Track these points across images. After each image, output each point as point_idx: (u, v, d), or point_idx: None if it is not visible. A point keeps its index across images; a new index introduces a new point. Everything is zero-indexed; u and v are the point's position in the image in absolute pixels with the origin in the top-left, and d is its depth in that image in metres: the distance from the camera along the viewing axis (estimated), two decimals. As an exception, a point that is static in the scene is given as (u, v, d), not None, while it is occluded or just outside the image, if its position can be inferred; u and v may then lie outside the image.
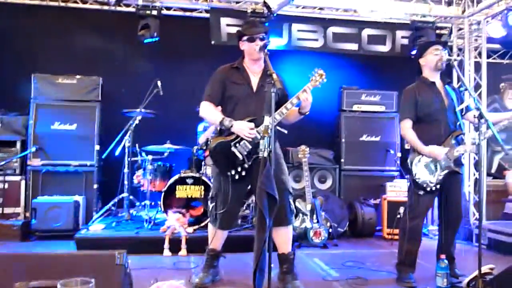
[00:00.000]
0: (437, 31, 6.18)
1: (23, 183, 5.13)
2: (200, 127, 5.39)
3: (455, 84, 6.06)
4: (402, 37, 6.11)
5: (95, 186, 5.27)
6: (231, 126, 3.11)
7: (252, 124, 3.11)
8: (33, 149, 5.10)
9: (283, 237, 3.21)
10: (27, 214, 5.02)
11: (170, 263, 3.93)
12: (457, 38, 6.26)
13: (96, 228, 4.49)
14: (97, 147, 5.29)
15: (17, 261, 2.12)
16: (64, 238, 4.60)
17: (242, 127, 3.11)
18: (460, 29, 6.23)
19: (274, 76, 2.77)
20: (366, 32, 6.07)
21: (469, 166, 5.87)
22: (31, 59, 5.76)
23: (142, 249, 4.14)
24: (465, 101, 3.64)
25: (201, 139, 5.11)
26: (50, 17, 5.88)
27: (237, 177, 3.16)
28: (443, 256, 3.03)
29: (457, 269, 3.53)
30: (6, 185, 5.06)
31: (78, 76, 5.38)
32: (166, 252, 4.20)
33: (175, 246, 4.22)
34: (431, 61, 3.50)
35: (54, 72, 5.39)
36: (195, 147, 4.96)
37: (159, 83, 4.93)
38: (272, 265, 2.67)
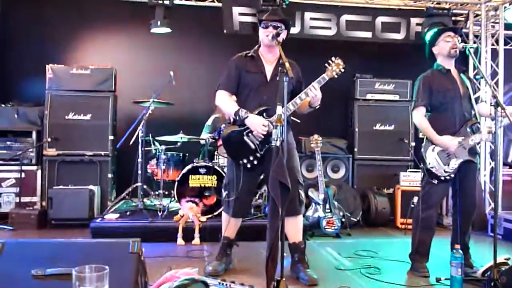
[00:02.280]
0: (453, 18, 6.06)
1: (39, 172, 5.21)
2: (209, 121, 5.40)
3: (471, 72, 5.97)
4: (417, 24, 6.00)
5: (110, 175, 5.33)
6: (246, 118, 3.11)
7: (266, 122, 3.09)
8: (49, 139, 5.17)
9: (293, 227, 3.22)
10: (44, 203, 5.10)
11: (184, 251, 3.97)
12: (474, 24, 6.13)
13: (111, 217, 4.54)
14: (111, 137, 5.34)
15: (34, 249, 2.15)
16: (80, 227, 4.66)
17: (256, 122, 3.10)
18: (477, 15, 6.10)
19: (287, 65, 2.75)
20: (380, 19, 5.97)
21: (485, 155, 5.79)
22: (46, 50, 5.81)
23: (156, 238, 4.19)
24: (481, 89, 3.58)
25: (203, 135, 5.13)
26: (64, 7, 5.91)
27: (249, 166, 3.18)
28: (457, 246, 3.00)
29: (472, 259, 3.50)
30: (23, 175, 5.14)
31: (91, 67, 5.40)
32: (180, 241, 4.23)
33: (188, 235, 4.26)
34: (443, 48, 3.44)
35: (68, 63, 5.44)
36: (208, 137, 4.97)
37: (171, 73, 4.93)
38: (285, 254, 2.68)
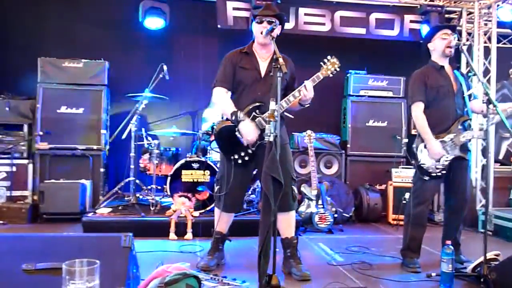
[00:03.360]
0: (446, 15, 6.08)
1: (30, 166, 5.17)
2: (205, 114, 5.39)
3: (463, 69, 6.00)
4: (411, 21, 6.01)
5: (102, 170, 5.30)
6: (239, 122, 3.09)
7: (256, 134, 3.08)
8: (40, 133, 5.13)
9: (285, 223, 3.23)
10: (35, 197, 5.06)
11: (176, 246, 3.96)
12: (467, 22, 6.15)
13: (103, 211, 4.52)
14: (103, 131, 5.30)
15: (24, 243, 2.14)
16: (71, 221, 4.65)
17: (247, 130, 3.08)
18: (470, 13, 6.12)
19: (281, 60, 2.74)
20: (374, 16, 5.97)
21: (476, 152, 5.82)
22: (38, 43, 5.76)
23: (148, 232, 4.19)
24: (473, 86, 3.59)
25: (204, 127, 5.12)
26: (57, 0, 5.86)
27: (240, 161, 3.18)
28: (448, 242, 3.02)
29: (463, 255, 3.53)
30: (14, 168, 5.10)
31: (84, 60, 5.36)
32: (172, 235, 4.23)
33: (180, 230, 4.25)
34: (439, 45, 3.45)
35: (61, 56, 5.39)
36: (201, 132, 4.97)
37: (165, 67, 4.91)
38: (277, 250, 2.69)
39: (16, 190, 5.09)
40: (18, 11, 5.81)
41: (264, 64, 3.26)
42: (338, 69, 3.15)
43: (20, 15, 5.80)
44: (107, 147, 5.42)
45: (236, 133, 3.15)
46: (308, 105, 3.22)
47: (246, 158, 3.18)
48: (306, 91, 3.08)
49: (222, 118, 3.36)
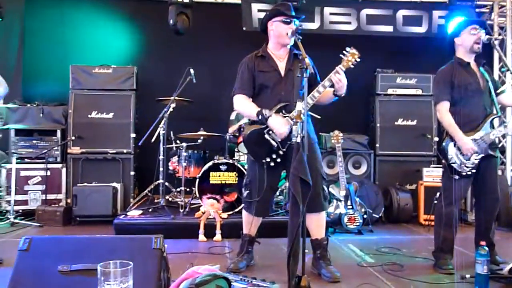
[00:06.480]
0: (477, 9, 5.93)
1: (64, 170, 5.33)
2: (232, 116, 5.42)
3: (496, 64, 5.84)
4: (439, 17, 5.89)
5: (132, 173, 5.41)
6: (268, 118, 3.08)
7: (288, 126, 3.03)
8: (73, 137, 5.28)
9: (316, 223, 3.20)
10: (69, 200, 5.21)
11: (205, 248, 3.99)
12: (499, 16, 5.98)
13: (134, 213, 4.61)
14: (133, 135, 5.41)
15: (60, 245, 2.20)
16: (103, 224, 4.75)
17: (278, 123, 3.05)
18: (502, 6, 5.95)
19: (307, 61, 2.73)
20: (401, 13, 5.88)
21: (510, 150, 5.65)
22: (68, 51, 5.93)
23: (178, 234, 4.23)
24: (506, 82, 3.49)
25: (232, 128, 5.13)
26: (85, 8, 6.02)
27: (272, 164, 3.16)
28: (483, 243, 2.94)
29: (498, 256, 3.43)
30: (49, 173, 5.26)
31: (113, 66, 5.49)
32: (201, 237, 4.27)
33: (209, 232, 4.29)
34: (467, 41, 3.35)
35: (91, 63, 5.53)
36: (228, 134, 5.00)
37: (191, 71, 4.97)
38: (306, 251, 2.68)
39: (51, 194, 5.24)
40: (49, 19, 5.99)
41: (282, 64, 3.25)
42: (358, 60, 3.06)
43: (51, 24, 5.99)
44: (137, 150, 5.52)
45: (266, 135, 3.14)
46: (344, 94, 3.12)
47: (278, 160, 3.15)
48: (339, 74, 3.00)
49: (249, 121, 3.36)
